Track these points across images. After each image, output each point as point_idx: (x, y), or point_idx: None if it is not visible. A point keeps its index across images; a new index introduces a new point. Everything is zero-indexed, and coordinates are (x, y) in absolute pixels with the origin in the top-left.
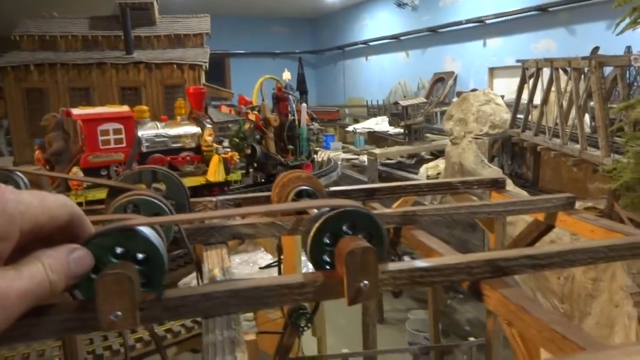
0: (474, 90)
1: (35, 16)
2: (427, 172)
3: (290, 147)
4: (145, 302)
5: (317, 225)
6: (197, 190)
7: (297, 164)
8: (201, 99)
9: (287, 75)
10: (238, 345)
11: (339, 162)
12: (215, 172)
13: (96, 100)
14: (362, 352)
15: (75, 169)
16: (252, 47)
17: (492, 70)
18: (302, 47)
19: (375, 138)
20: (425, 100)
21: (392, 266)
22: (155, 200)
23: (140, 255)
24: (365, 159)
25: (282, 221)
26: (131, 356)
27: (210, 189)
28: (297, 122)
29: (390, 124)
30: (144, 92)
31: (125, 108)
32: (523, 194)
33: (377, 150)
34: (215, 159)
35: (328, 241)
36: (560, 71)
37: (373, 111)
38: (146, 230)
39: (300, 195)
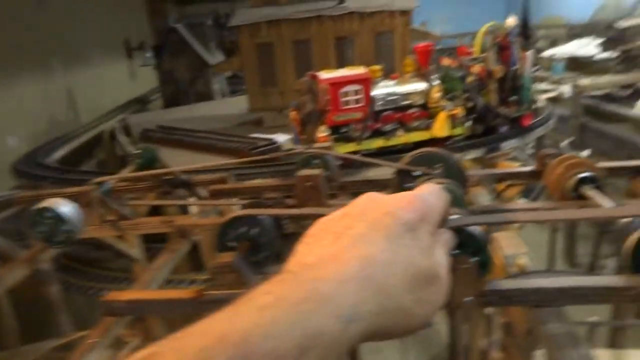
0: None
1: None
2: None
3: (513, 97)
4: (485, 290)
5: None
6: (421, 144)
7: (519, 115)
8: (428, 56)
9: (512, 21)
10: (583, 341)
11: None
12: (441, 128)
13: (315, 51)
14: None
15: (322, 127)
16: None
17: None
18: None
19: (577, 64)
20: None
21: None
22: (457, 191)
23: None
24: (566, 90)
25: (562, 208)
26: None
27: (435, 142)
28: (520, 71)
29: (605, 49)
30: (356, 41)
31: (362, 69)
32: None
33: (584, 81)
34: (442, 115)
35: None
36: None
37: (575, 32)
38: (476, 231)
39: (583, 182)
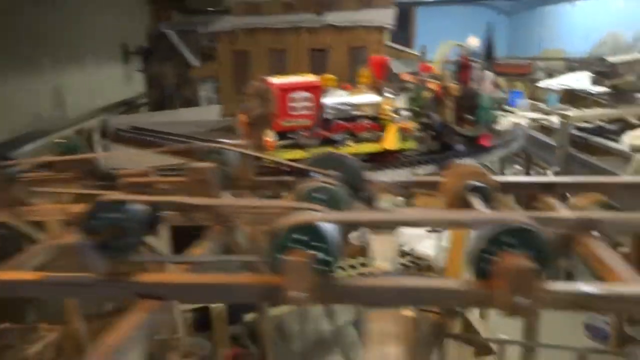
0: None
1: None
2: (632, 141)
3: (469, 117)
4: (324, 285)
5: (484, 237)
6: (372, 156)
7: (474, 135)
8: (384, 69)
9: (473, 41)
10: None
11: (524, 124)
12: (391, 140)
13: (290, 61)
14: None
15: (269, 132)
16: None
17: None
18: None
19: (572, 97)
20: None
21: (556, 287)
22: (339, 191)
23: (315, 244)
24: (554, 120)
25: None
26: None
27: (384, 155)
28: (478, 91)
29: (594, 82)
30: (331, 54)
31: (313, 77)
32: None
33: (570, 112)
34: (392, 127)
35: (489, 253)
36: None
37: (574, 65)
38: (327, 226)
39: (473, 191)
